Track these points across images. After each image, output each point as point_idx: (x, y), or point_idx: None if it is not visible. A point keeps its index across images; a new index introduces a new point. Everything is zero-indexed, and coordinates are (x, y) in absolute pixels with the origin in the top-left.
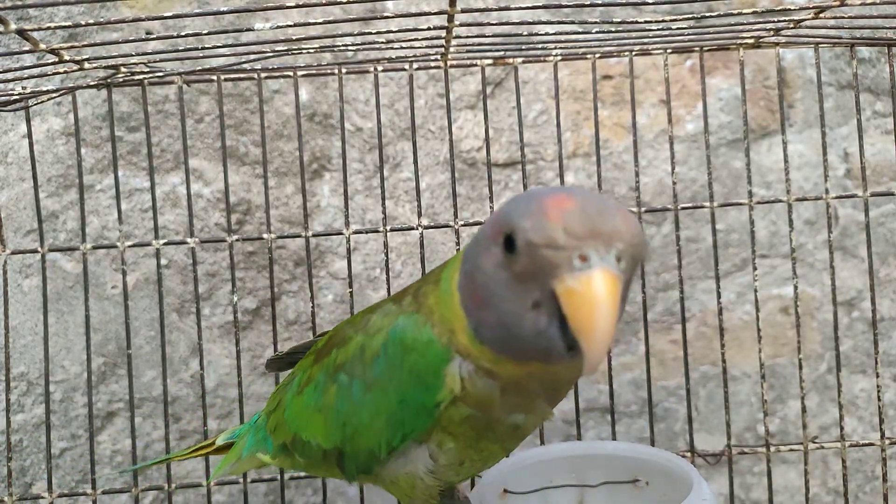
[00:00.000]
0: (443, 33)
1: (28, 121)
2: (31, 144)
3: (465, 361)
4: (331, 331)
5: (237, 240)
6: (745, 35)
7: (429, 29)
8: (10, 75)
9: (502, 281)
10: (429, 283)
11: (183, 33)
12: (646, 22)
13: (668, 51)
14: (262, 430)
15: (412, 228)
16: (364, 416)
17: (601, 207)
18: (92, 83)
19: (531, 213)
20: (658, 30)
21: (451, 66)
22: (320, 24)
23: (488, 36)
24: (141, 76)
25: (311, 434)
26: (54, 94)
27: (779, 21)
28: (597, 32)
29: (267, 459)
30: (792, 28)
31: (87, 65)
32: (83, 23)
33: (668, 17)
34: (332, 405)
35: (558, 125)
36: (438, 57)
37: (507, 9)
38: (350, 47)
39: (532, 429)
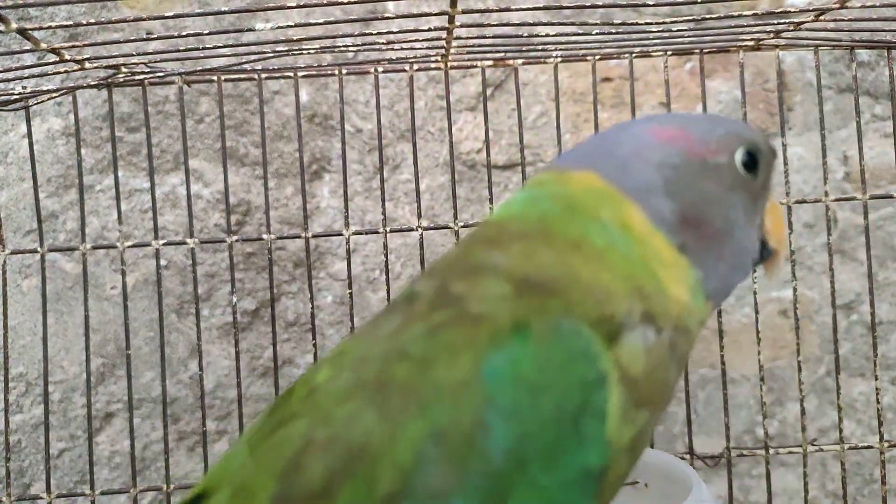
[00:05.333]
0: (443, 34)
1: (28, 121)
2: (31, 144)
3: (657, 333)
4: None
5: (237, 240)
6: (744, 37)
7: (429, 30)
8: (10, 75)
9: (740, 206)
10: (533, 283)
11: (183, 33)
12: (646, 24)
13: (668, 53)
14: None
15: (412, 230)
16: None
17: None
18: (92, 83)
19: (754, 129)
20: (658, 32)
21: (452, 68)
22: (321, 24)
23: (489, 37)
24: (141, 76)
25: None
26: (54, 94)
27: (779, 23)
28: (597, 34)
29: None
30: (792, 30)
31: (87, 65)
32: (84, 22)
33: (667, 20)
34: None
35: (558, 127)
36: (439, 58)
37: (508, 10)
38: (350, 48)
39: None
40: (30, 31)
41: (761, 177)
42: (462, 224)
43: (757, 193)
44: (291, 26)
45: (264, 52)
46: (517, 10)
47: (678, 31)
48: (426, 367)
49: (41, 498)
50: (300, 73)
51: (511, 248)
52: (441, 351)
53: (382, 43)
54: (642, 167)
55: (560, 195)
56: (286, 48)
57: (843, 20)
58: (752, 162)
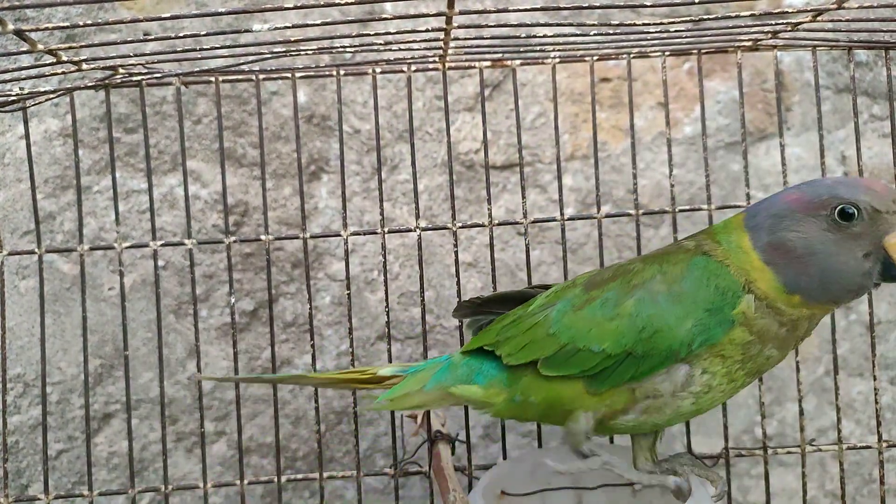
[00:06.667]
0: (441, 35)
1: (25, 122)
2: (28, 145)
3: (757, 300)
4: (574, 281)
5: (235, 241)
6: (742, 38)
7: (427, 31)
8: (7, 76)
9: (830, 242)
10: (706, 243)
11: (181, 34)
12: (644, 24)
13: (666, 53)
14: (467, 366)
15: (410, 230)
16: (670, 320)
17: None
18: (90, 84)
19: (867, 191)
20: (656, 32)
21: (450, 68)
22: (318, 25)
23: (486, 38)
24: (139, 77)
25: (595, 341)
26: (52, 95)
27: (776, 24)
28: (595, 35)
29: (471, 392)
30: (790, 31)
31: (84, 66)
32: (81, 24)
33: (665, 20)
34: (628, 314)
35: (556, 127)
36: (437, 59)
37: (506, 11)
38: (348, 49)
39: (772, 365)
40: (27, 33)
41: (861, 223)
42: (460, 224)
43: (860, 234)
44: (289, 27)
45: (262, 53)
46: (515, 10)
47: (676, 31)
48: (667, 257)
49: (39, 499)
50: (298, 74)
51: (702, 234)
52: (672, 255)
53: (380, 44)
54: (763, 215)
55: (728, 220)
56: (284, 49)
57: (841, 20)
58: (847, 215)
